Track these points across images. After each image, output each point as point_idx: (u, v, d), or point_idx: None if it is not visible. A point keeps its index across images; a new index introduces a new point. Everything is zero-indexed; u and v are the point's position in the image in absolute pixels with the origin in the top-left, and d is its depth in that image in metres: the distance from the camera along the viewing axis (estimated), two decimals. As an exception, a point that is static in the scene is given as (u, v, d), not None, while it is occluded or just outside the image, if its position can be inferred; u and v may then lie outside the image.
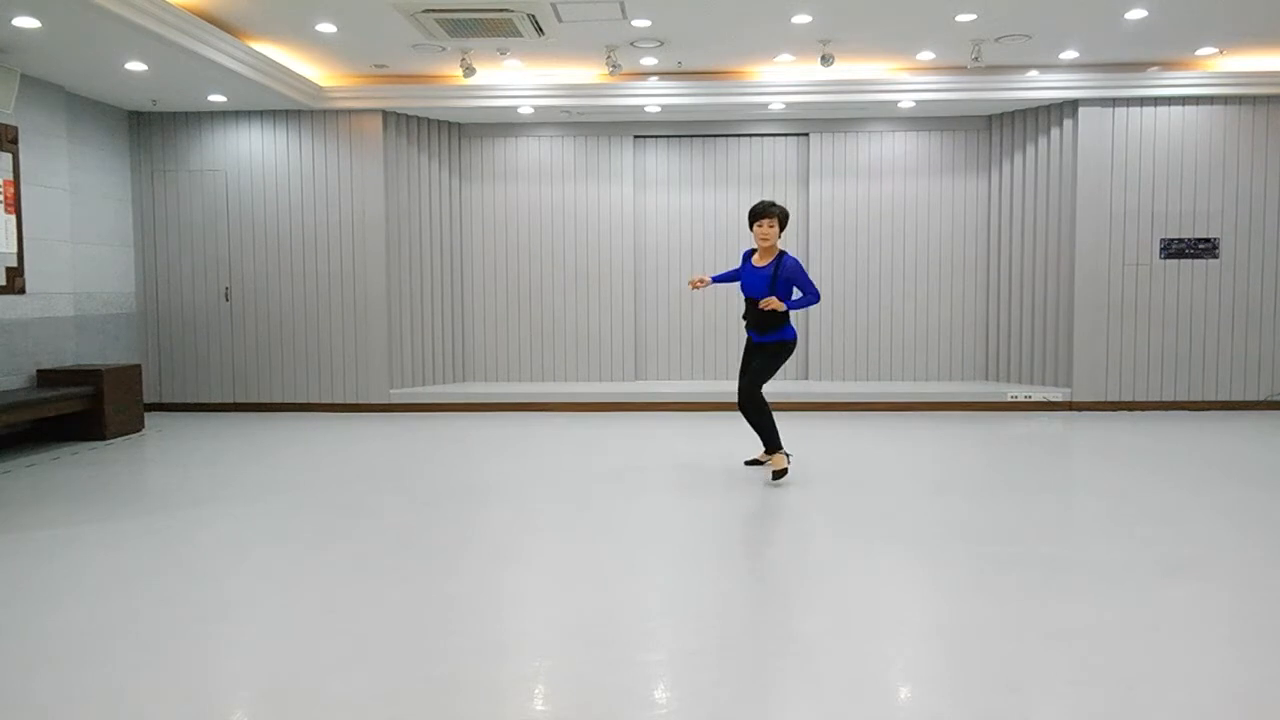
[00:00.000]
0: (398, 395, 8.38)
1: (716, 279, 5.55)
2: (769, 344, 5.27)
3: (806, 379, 8.88)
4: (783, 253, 5.20)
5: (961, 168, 8.70)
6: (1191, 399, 8.11)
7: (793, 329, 5.29)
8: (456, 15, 6.06)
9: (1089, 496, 5.06)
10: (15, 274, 6.66)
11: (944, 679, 2.71)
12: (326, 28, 6.45)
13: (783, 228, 5.22)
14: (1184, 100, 7.92)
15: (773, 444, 5.25)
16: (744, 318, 5.34)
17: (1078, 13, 6.30)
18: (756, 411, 5.23)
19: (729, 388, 8.39)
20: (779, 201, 8.82)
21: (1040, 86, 7.84)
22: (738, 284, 5.55)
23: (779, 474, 5.23)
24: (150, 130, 8.29)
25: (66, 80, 7.03)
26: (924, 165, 8.71)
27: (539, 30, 6.41)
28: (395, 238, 8.39)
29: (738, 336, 8.87)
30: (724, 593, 3.47)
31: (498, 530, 4.40)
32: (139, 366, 7.34)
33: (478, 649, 2.94)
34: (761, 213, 5.17)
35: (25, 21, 5.53)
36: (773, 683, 2.70)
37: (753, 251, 5.32)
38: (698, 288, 5.37)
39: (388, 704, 2.56)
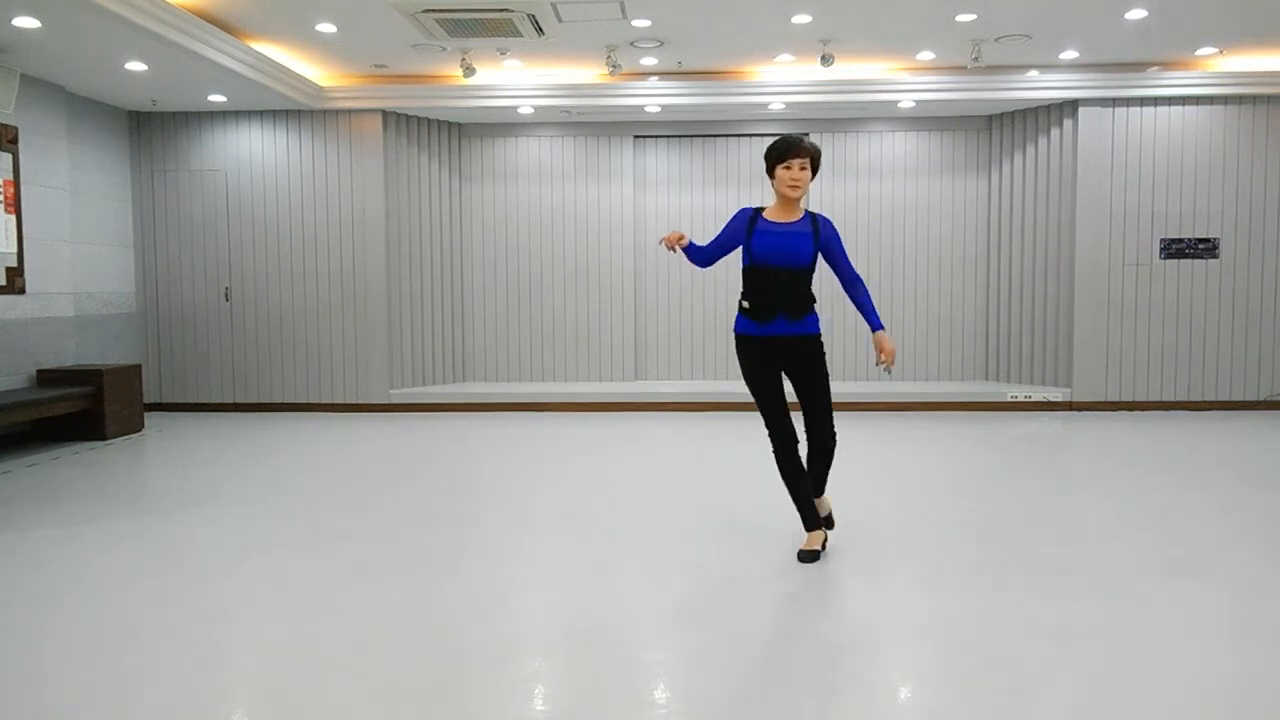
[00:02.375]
0: (398, 395, 8.38)
1: (694, 249, 3.93)
2: (808, 339, 3.78)
3: (806, 379, 8.86)
4: (809, 211, 3.82)
5: (961, 168, 8.70)
6: (1191, 399, 8.11)
7: None
8: (456, 15, 6.06)
9: (1089, 496, 5.06)
10: (15, 274, 6.66)
11: (944, 678, 2.71)
12: (326, 28, 6.45)
13: (814, 173, 3.76)
14: (1184, 100, 7.92)
15: (813, 517, 3.90)
16: (757, 302, 3.75)
17: (1078, 13, 6.30)
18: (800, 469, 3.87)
19: (729, 388, 8.38)
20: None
21: (1040, 86, 7.84)
22: (718, 257, 3.96)
23: (813, 555, 3.84)
24: (150, 130, 8.29)
25: (66, 80, 7.03)
26: (924, 165, 8.70)
27: (539, 30, 6.41)
28: (395, 238, 8.39)
29: (738, 336, 8.87)
30: (724, 593, 3.47)
31: (498, 530, 4.40)
32: (139, 366, 7.34)
33: (478, 649, 2.94)
34: (789, 149, 3.67)
35: (25, 21, 5.53)
36: (774, 682, 2.70)
37: (756, 211, 3.82)
38: (673, 248, 3.79)
39: (388, 704, 2.56)
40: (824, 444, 3.81)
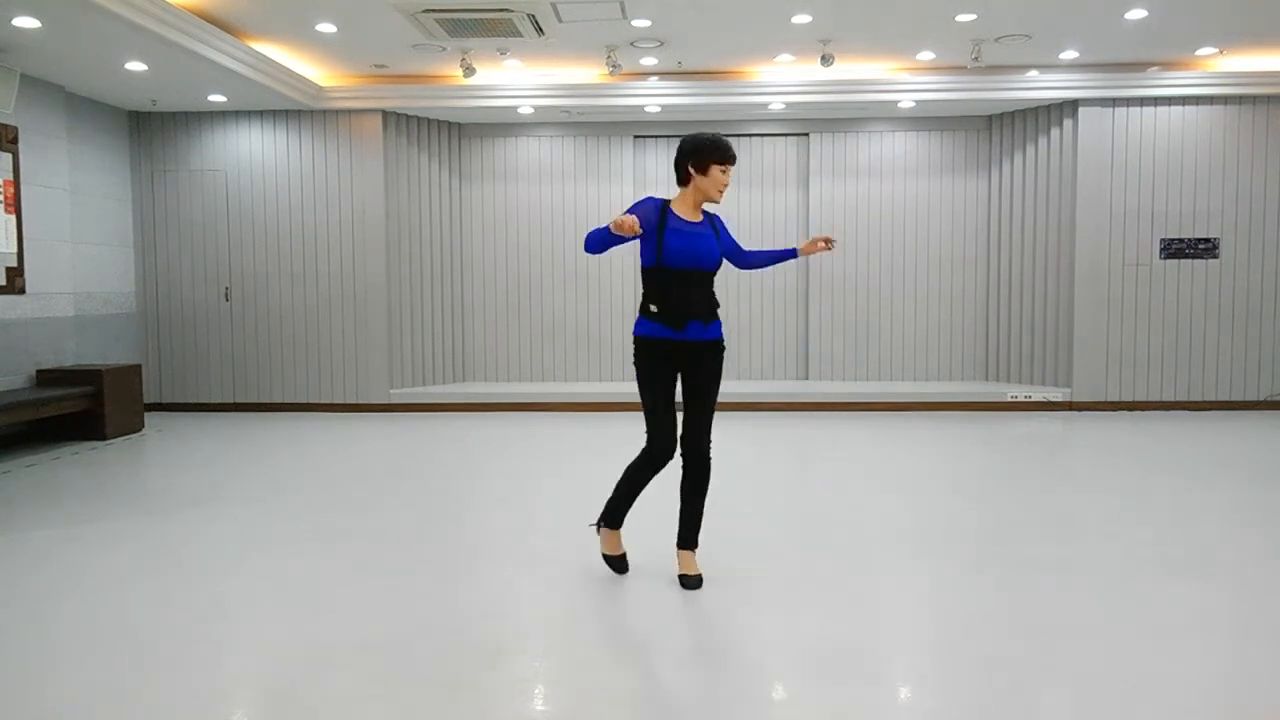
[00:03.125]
0: (398, 395, 8.38)
1: (595, 234, 3.46)
2: (716, 345, 3.54)
3: (807, 379, 8.87)
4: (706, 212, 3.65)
5: (961, 168, 8.70)
6: (1191, 399, 8.11)
7: None
8: (456, 15, 6.06)
9: (1089, 496, 5.06)
10: (15, 274, 6.66)
11: (945, 678, 2.71)
12: (326, 28, 6.45)
13: None
14: (1184, 100, 7.92)
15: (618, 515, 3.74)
16: (670, 305, 3.43)
17: (1078, 13, 6.30)
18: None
19: (728, 388, 8.38)
20: (778, 202, 8.86)
21: (1040, 86, 7.84)
22: (610, 249, 3.57)
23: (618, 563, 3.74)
24: (150, 130, 8.29)
25: (66, 80, 7.03)
26: (924, 165, 8.70)
27: (539, 30, 6.41)
28: (395, 238, 8.39)
29: (738, 336, 8.87)
30: (724, 592, 3.47)
31: (498, 530, 4.40)
32: (139, 366, 7.34)
33: (477, 649, 2.94)
34: (729, 152, 3.58)
35: (25, 21, 5.53)
36: (774, 680, 2.70)
37: (663, 203, 3.55)
38: (633, 233, 3.29)
39: (387, 704, 2.56)
40: (699, 462, 3.54)
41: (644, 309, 3.49)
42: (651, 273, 3.48)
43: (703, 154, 3.50)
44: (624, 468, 3.65)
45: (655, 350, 3.47)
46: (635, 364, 3.51)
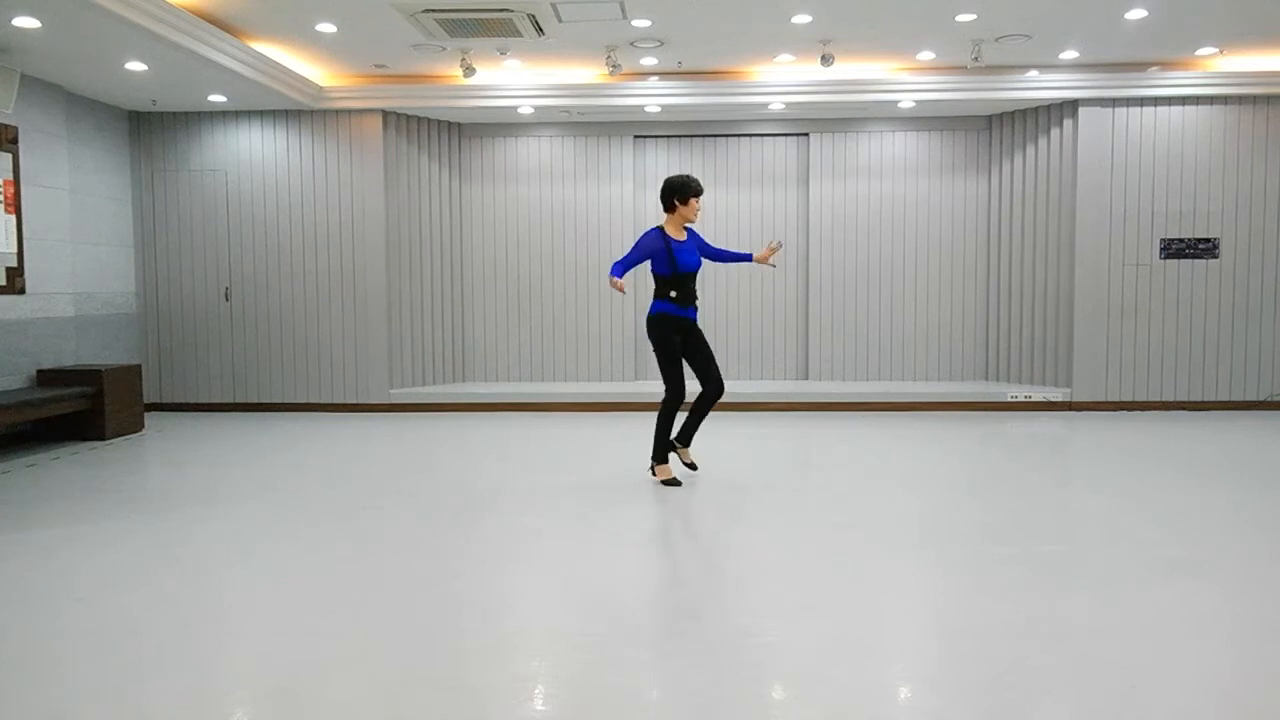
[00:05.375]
0: (398, 395, 8.38)
1: (616, 269, 4.96)
2: (695, 322, 5.22)
3: (806, 379, 8.88)
4: (687, 228, 5.18)
5: (961, 168, 8.70)
6: (1191, 399, 8.11)
7: None
8: (456, 15, 6.06)
9: (1090, 496, 5.06)
10: (15, 274, 6.67)
11: (944, 678, 2.71)
12: (326, 28, 6.46)
13: None
14: (1184, 100, 7.92)
15: (664, 453, 5.25)
16: (681, 296, 5.05)
17: (1078, 13, 6.30)
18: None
19: (728, 388, 8.37)
20: (778, 202, 8.87)
21: (1040, 86, 7.84)
22: (628, 268, 5.09)
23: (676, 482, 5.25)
24: (150, 130, 8.29)
25: (66, 80, 7.03)
26: (924, 165, 8.71)
27: (539, 30, 6.41)
28: (395, 238, 8.39)
29: (738, 336, 8.88)
30: (723, 594, 3.47)
31: (497, 531, 4.40)
32: (139, 366, 7.34)
33: (478, 649, 2.94)
34: (699, 189, 5.08)
35: (25, 21, 5.53)
36: (772, 683, 2.70)
37: (659, 229, 5.06)
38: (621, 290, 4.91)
39: (388, 704, 2.56)
40: (716, 386, 5.16)
41: (664, 295, 5.05)
42: (668, 278, 5.04)
43: (684, 192, 5.06)
44: (655, 420, 5.22)
45: (674, 322, 5.07)
46: (656, 335, 5.07)
